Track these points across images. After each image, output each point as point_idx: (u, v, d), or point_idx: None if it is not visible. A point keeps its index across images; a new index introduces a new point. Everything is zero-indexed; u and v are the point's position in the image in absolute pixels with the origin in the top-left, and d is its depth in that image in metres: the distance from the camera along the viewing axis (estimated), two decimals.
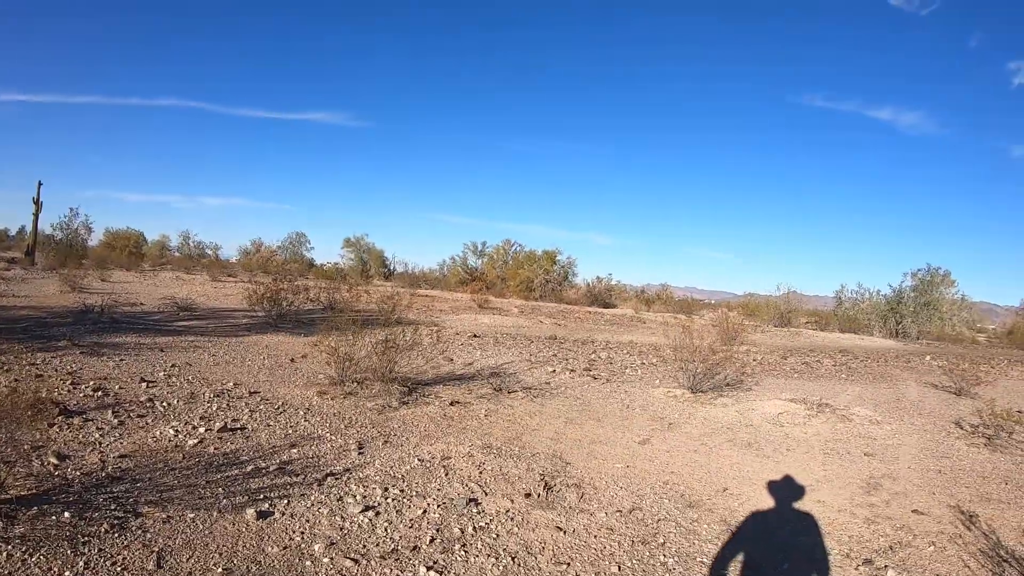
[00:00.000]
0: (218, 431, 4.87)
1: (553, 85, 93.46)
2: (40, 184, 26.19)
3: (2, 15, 70.25)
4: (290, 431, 5.12)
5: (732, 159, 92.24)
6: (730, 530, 3.90)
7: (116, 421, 4.98)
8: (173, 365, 7.28)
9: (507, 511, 3.84)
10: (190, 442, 4.60)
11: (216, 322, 11.77)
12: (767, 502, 4.50)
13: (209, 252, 38.71)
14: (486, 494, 4.09)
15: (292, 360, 8.42)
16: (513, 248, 34.54)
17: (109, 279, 19.21)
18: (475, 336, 12.62)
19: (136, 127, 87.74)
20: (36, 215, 26.04)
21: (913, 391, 9.80)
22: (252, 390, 6.45)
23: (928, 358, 14.22)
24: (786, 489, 4.78)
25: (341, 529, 3.38)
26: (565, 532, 3.62)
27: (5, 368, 6.35)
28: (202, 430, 4.88)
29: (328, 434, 5.12)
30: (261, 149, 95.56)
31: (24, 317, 10.02)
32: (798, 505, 4.47)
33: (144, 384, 6.25)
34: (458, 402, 6.71)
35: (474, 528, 3.55)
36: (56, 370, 6.54)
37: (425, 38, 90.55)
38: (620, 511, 4.04)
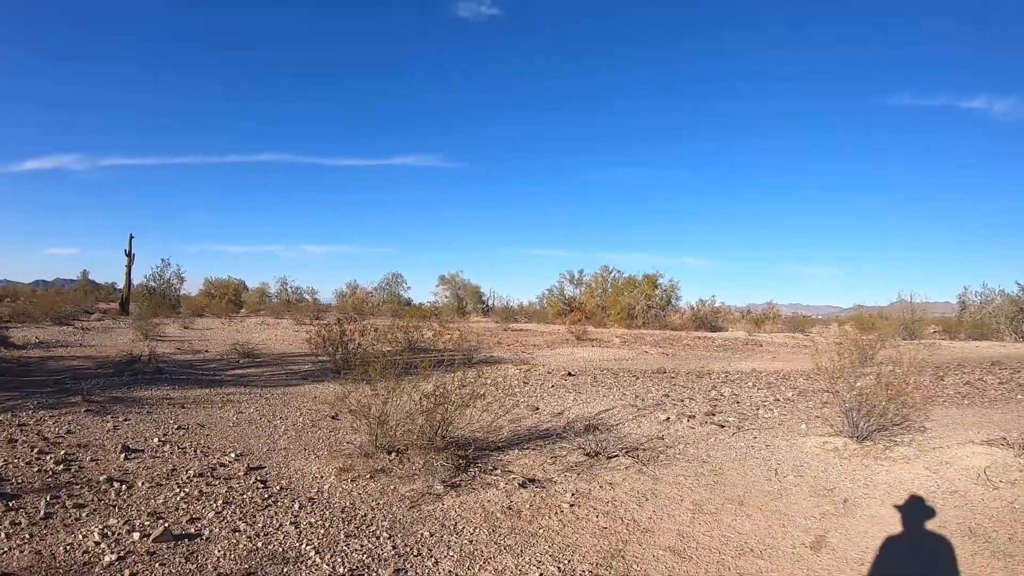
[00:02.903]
0: (154, 540, 3.39)
1: (639, 110, 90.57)
2: (131, 237, 27.76)
3: (108, 87, 78.83)
4: (260, 544, 3.50)
5: (825, 169, 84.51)
6: None
7: (43, 513, 3.74)
8: (179, 427, 6.10)
9: None
10: (106, 559, 3.18)
11: (273, 369, 10.80)
12: None
13: (307, 297, 39.43)
14: None
15: (334, 417, 7.04)
16: (612, 275, 32.55)
17: (192, 326, 19.34)
18: (569, 375, 10.76)
19: (236, 183, 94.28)
20: (129, 267, 27.55)
21: None
22: (254, 464, 5.05)
23: None
24: None
25: None
26: None
27: None
28: (136, 537, 3.44)
29: (312, 552, 3.44)
30: (358, 196, 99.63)
31: (68, 368, 9.50)
32: None
33: (123, 455, 5.04)
34: (533, 480, 4.88)
35: None
36: (38, 434, 5.55)
37: (503, 74, 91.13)
38: None
